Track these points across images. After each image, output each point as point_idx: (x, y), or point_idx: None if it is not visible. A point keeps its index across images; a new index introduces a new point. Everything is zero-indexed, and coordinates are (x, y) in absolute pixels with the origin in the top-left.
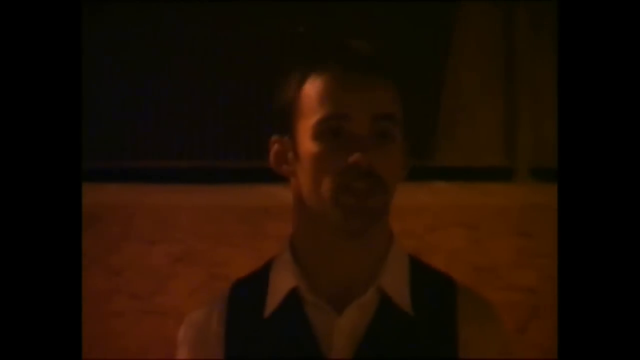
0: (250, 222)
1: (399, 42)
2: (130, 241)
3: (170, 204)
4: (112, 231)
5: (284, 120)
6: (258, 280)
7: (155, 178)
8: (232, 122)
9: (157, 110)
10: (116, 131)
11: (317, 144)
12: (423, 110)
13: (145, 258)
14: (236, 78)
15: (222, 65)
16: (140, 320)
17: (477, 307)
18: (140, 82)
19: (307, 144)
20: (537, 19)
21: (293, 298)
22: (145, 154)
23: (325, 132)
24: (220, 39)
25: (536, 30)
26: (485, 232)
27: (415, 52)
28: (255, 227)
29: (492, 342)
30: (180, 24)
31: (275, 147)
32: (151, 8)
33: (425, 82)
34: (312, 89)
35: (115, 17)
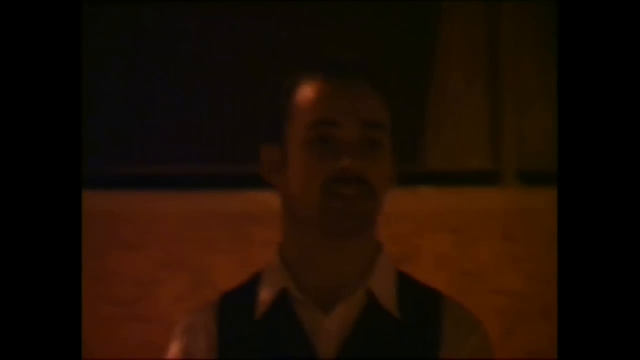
0: (236, 229)
1: (384, 46)
2: (115, 248)
3: (155, 210)
4: (97, 238)
5: (275, 128)
6: (248, 289)
7: (140, 185)
8: (218, 127)
9: (141, 116)
10: (98, 137)
11: (307, 151)
12: (408, 115)
13: (130, 265)
14: (222, 84)
15: (209, 70)
16: (125, 326)
17: (464, 320)
18: (128, 88)
19: (297, 151)
20: (523, 21)
21: (283, 299)
22: (130, 161)
23: (314, 138)
24: (211, 43)
25: (521, 32)
26: (471, 237)
27: (400, 57)
28: (241, 233)
29: (477, 355)
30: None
31: (265, 156)
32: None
33: (411, 87)
34: (302, 95)
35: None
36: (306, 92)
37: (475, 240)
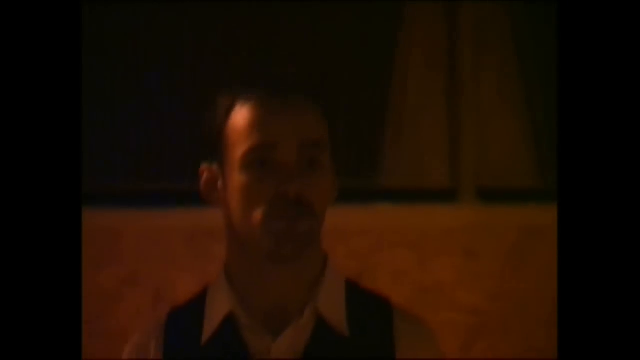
0: (195, 245)
1: (342, 62)
2: None
3: (116, 227)
4: None
5: (212, 148)
6: (195, 307)
7: (100, 201)
8: (178, 145)
9: (104, 132)
10: None
11: (245, 175)
12: (366, 132)
13: (91, 281)
14: (181, 103)
15: (169, 88)
16: (86, 342)
17: (414, 328)
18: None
19: (235, 174)
20: (482, 35)
21: (229, 323)
22: (91, 177)
23: (252, 162)
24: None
25: (481, 48)
26: (429, 253)
27: (357, 73)
28: (201, 249)
29: None
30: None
31: (204, 176)
32: None
33: (368, 103)
34: (238, 117)
35: None
36: (242, 113)
37: (434, 257)
